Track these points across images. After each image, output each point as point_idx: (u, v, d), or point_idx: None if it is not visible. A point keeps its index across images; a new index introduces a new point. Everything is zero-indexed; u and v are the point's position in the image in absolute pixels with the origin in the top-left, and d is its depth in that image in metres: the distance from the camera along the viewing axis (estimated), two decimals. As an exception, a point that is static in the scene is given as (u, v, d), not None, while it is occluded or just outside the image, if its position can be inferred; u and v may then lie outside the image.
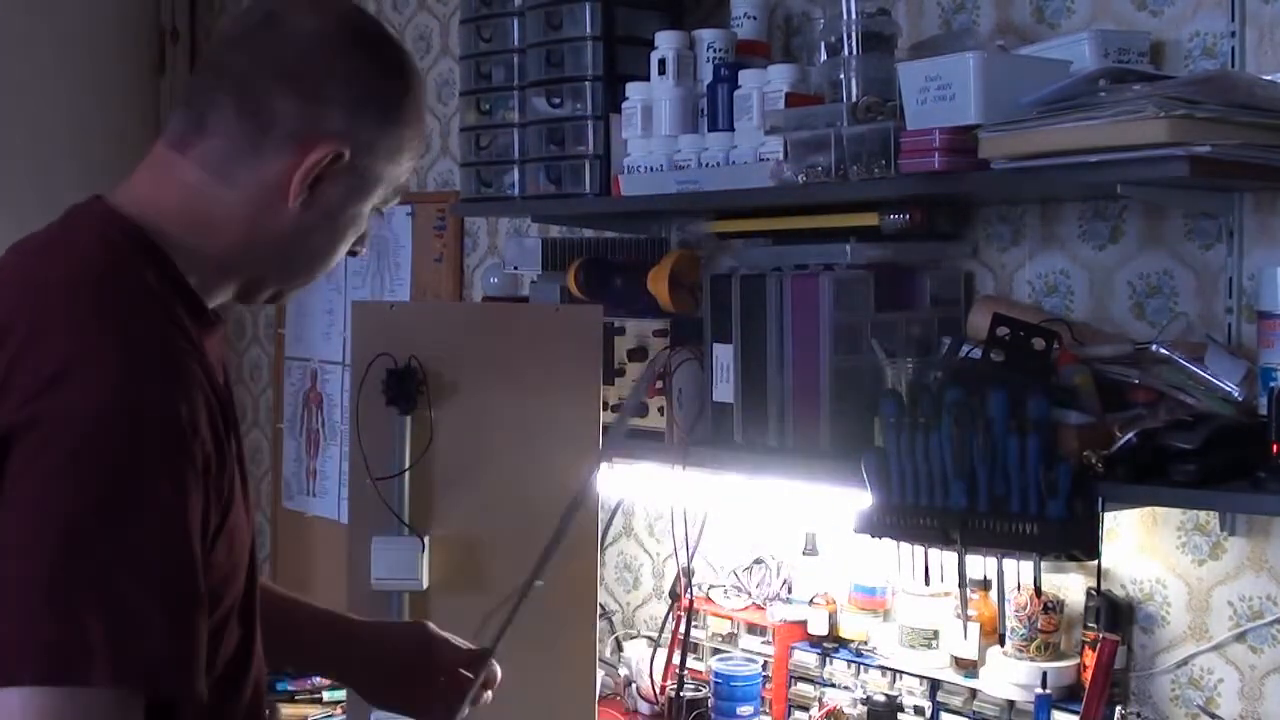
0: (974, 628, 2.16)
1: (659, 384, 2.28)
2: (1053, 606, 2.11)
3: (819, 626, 2.39)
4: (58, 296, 1.22)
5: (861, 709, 2.28)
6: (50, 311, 1.20)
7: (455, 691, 1.77)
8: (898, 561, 1.96)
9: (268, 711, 2.47)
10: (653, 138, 2.35)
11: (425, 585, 2.22)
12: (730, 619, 2.50)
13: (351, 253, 1.44)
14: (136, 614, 1.12)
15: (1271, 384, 1.75)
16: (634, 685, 2.57)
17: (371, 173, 1.36)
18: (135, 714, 1.12)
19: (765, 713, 2.42)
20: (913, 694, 2.24)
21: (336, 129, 1.31)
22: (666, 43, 2.34)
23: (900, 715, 2.24)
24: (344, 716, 2.46)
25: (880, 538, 1.95)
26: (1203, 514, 2.03)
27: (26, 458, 1.13)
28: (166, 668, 1.13)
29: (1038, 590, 1.88)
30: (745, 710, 2.38)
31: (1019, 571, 1.90)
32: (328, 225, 1.36)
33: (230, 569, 1.30)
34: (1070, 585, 2.15)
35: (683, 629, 2.46)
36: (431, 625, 1.82)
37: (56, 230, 1.32)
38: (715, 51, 2.34)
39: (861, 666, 2.32)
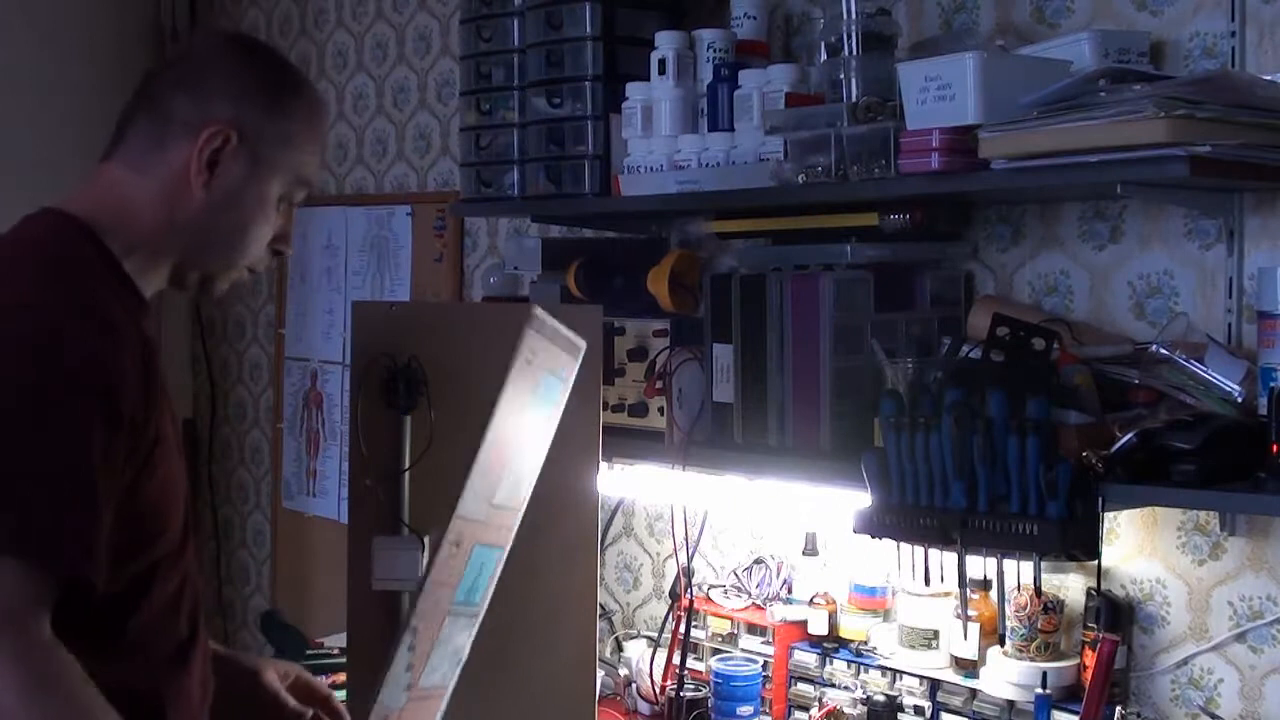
0: (974, 628, 2.16)
1: (659, 384, 2.28)
2: (1053, 606, 2.11)
3: (819, 626, 2.39)
4: (7, 266, 1.47)
5: (861, 709, 2.28)
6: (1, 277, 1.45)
7: None
8: (898, 561, 1.96)
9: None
10: (653, 138, 2.35)
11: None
12: (730, 619, 2.50)
13: (276, 252, 1.66)
14: (36, 503, 1.34)
15: (1271, 384, 1.75)
16: (634, 685, 2.57)
17: (263, 155, 1.58)
18: (41, 588, 1.34)
19: (765, 713, 2.41)
20: (913, 694, 2.24)
21: (223, 114, 1.55)
22: (666, 43, 2.34)
23: (900, 715, 2.24)
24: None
25: (880, 538, 1.95)
26: (1203, 514, 2.03)
27: None
28: (62, 548, 1.35)
29: (1038, 590, 1.88)
30: (745, 710, 2.38)
31: (1019, 571, 1.90)
32: (233, 205, 1.58)
33: (165, 508, 1.52)
34: (1070, 585, 2.15)
35: (683, 629, 2.46)
36: (268, 677, 1.82)
37: (9, 231, 1.55)
38: (715, 51, 2.34)
39: (861, 666, 2.32)
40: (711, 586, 2.56)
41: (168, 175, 1.56)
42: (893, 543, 1.95)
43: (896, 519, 1.92)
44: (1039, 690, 2.06)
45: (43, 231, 1.53)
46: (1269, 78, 1.84)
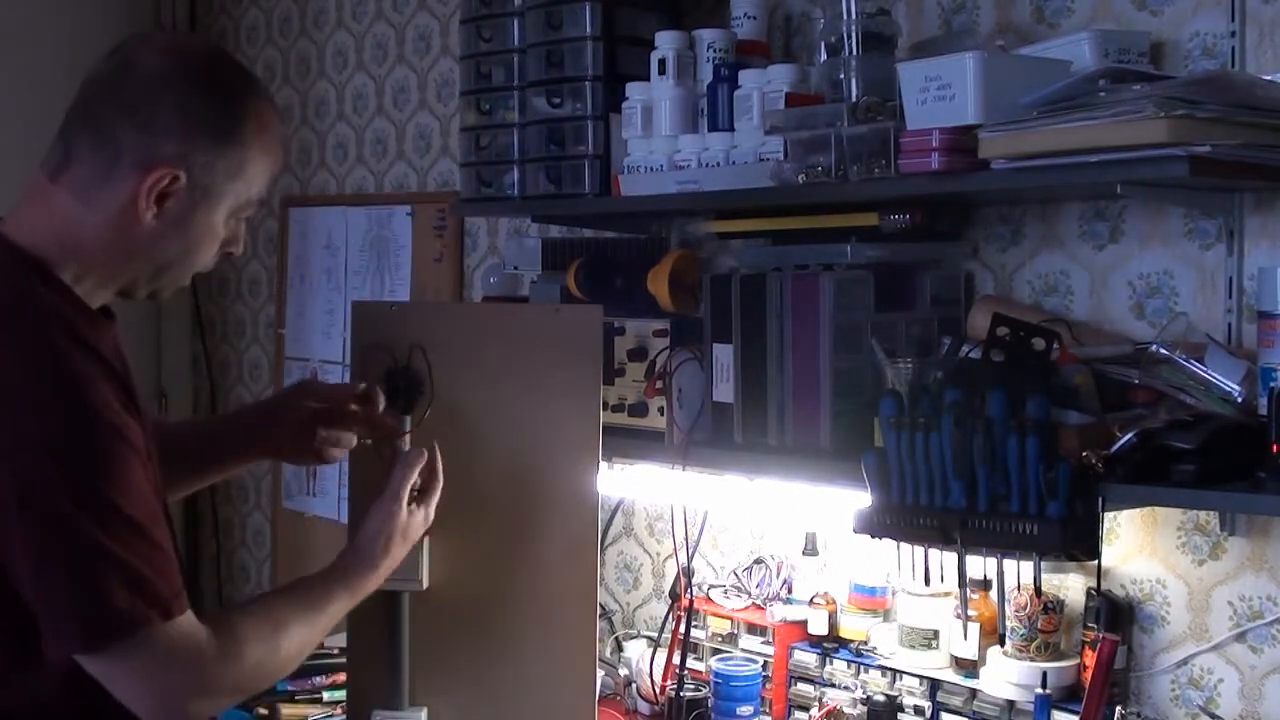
0: (974, 628, 2.16)
1: (659, 384, 2.28)
2: (1053, 606, 2.11)
3: (819, 626, 2.39)
4: None
5: (861, 709, 2.28)
6: None
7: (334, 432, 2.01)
8: (898, 561, 1.96)
9: (266, 711, 2.51)
10: (653, 138, 2.35)
11: (425, 585, 2.21)
12: (730, 619, 2.50)
13: (227, 254, 1.67)
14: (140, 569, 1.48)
15: (1271, 384, 1.75)
16: (634, 685, 2.57)
17: (214, 188, 1.57)
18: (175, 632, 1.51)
19: (765, 713, 2.41)
20: (913, 694, 2.24)
21: (171, 154, 1.53)
22: (666, 43, 2.34)
23: (900, 715, 2.24)
24: (343, 717, 2.45)
25: (880, 538, 1.95)
26: (1203, 514, 2.03)
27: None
28: (171, 597, 1.51)
29: (1038, 590, 1.88)
30: (745, 710, 2.38)
31: (1019, 571, 1.90)
32: (180, 235, 1.58)
33: None
34: (1070, 585, 2.16)
35: (683, 629, 2.46)
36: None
37: None
38: (715, 51, 2.34)
39: (861, 666, 2.32)
40: (711, 586, 2.56)
41: (115, 208, 1.55)
42: (893, 543, 1.95)
43: (896, 519, 1.92)
44: (1039, 690, 2.06)
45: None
46: (1269, 78, 1.84)
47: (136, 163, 1.53)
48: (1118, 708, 2.04)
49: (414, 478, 1.98)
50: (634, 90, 2.37)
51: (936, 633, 2.23)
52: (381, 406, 2.02)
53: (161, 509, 1.57)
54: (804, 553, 2.45)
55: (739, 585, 2.54)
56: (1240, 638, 2.02)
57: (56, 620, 1.46)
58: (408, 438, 2.08)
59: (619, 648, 2.70)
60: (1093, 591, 2.08)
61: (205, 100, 1.57)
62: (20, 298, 1.51)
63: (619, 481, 2.52)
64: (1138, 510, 2.05)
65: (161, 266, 1.61)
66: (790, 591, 2.48)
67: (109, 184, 1.54)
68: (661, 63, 2.34)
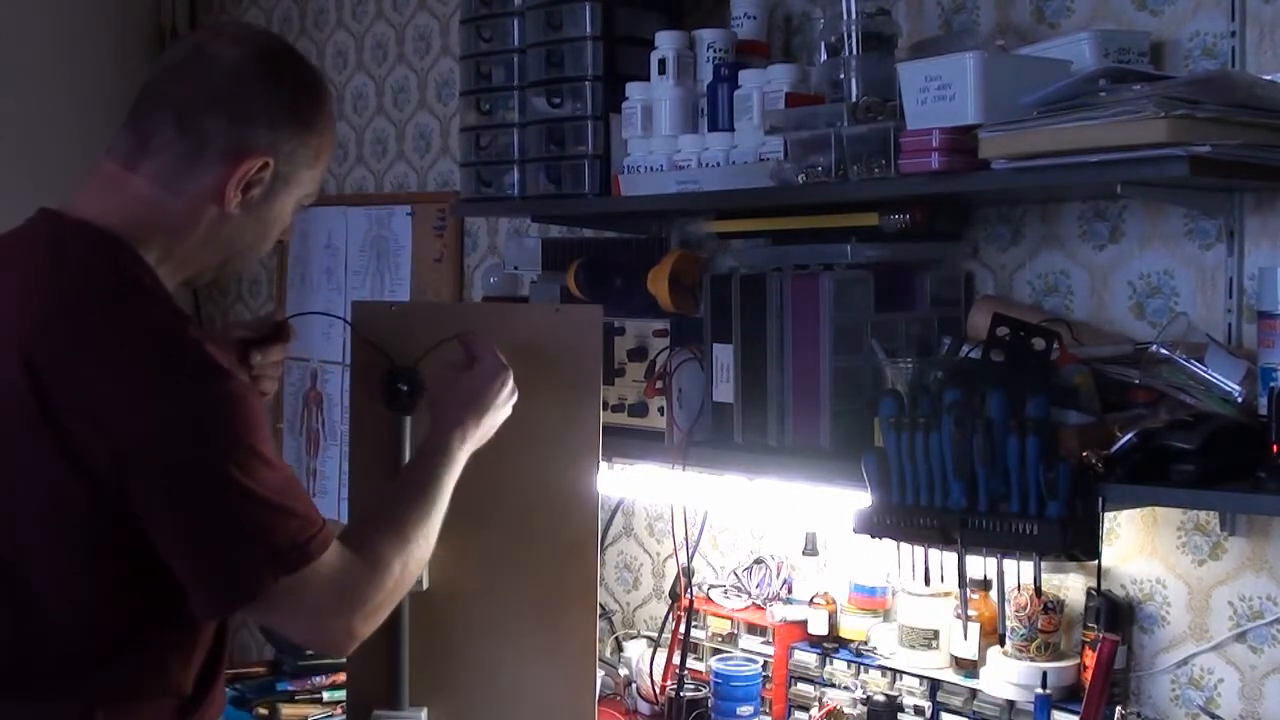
0: (974, 628, 2.16)
1: (659, 384, 2.28)
2: (1053, 606, 2.11)
3: (819, 626, 2.39)
4: (96, 321, 1.49)
5: (861, 709, 2.28)
6: (97, 339, 1.48)
7: None
8: (898, 561, 1.96)
9: (266, 711, 2.51)
10: (653, 138, 2.35)
11: (425, 585, 2.21)
12: (730, 619, 2.50)
13: (279, 242, 1.74)
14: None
15: (1271, 384, 1.75)
16: (634, 685, 2.57)
17: (294, 176, 1.63)
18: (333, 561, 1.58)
19: (765, 713, 2.42)
20: (913, 694, 2.24)
21: (262, 142, 1.58)
22: (666, 43, 2.34)
23: (900, 715, 2.24)
24: (343, 717, 2.45)
25: (880, 538, 1.95)
26: (1203, 514, 2.03)
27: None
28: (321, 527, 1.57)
29: (1038, 590, 1.88)
30: (745, 710, 2.38)
31: (1019, 571, 1.90)
32: (258, 222, 1.64)
33: None
34: (1070, 585, 2.15)
35: (683, 629, 2.46)
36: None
37: (44, 248, 1.56)
38: (715, 51, 2.34)
39: (861, 666, 2.32)
40: (711, 586, 2.56)
41: (200, 195, 1.58)
42: (893, 543, 1.95)
43: (896, 519, 1.92)
44: (1039, 690, 2.06)
45: (99, 258, 1.54)
46: (1269, 78, 1.84)
47: (226, 151, 1.57)
48: (1118, 708, 2.04)
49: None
50: (634, 90, 2.37)
51: (936, 633, 2.23)
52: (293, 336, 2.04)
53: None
54: (804, 553, 2.45)
55: (739, 585, 2.54)
56: (1240, 638, 2.02)
57: (221, 569, 1.49)
58: None
59: (619, 648, 2.70)
60: (1093, 591, 2.08)
61: (291, 89, 1.62)
62: (127, 269, 1.54)
63: (619, 481, 2.52)
64: (1138, 510, 2.05)
65: (234, 254, 1.66)
66: (790, 591, 2.48)
67: (195, 171, 1.57)
68: (661, 63, 2.34)
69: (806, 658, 2.39)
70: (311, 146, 1.64)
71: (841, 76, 2.06)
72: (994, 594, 2.04)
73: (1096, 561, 1.88)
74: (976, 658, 2.18)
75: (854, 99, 2.03)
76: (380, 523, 1.72)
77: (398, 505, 1.76)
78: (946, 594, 2.18)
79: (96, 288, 1.51)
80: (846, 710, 2.31)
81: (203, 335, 1.53)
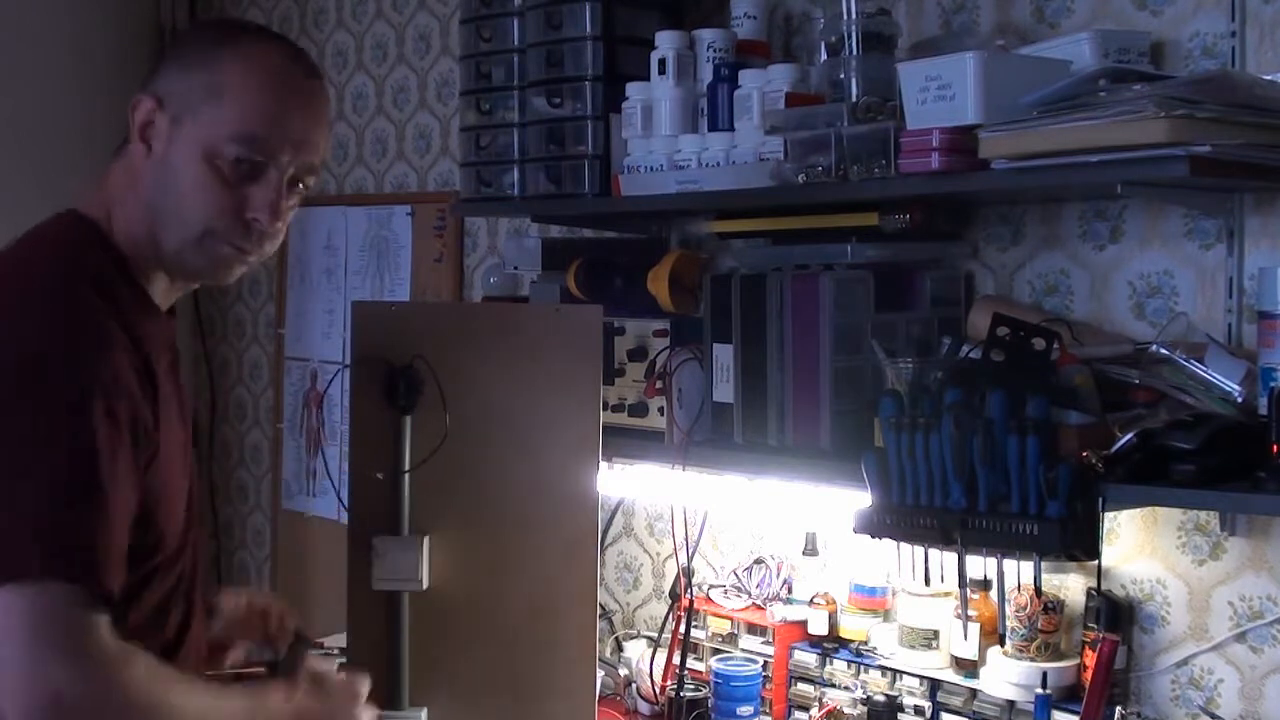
0: (974, 628, 2.16)
1: (659, 384, 2.28)
2: (1053, 606, 2.11)
3: (819, 626, 2.39)
4: (14, 271, 1.48)
5: (861, 709, 2.28)
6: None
7: None
8: (898, 561, 1.96)
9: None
10: (653, 138, 2.35)
11: (425, 585, 2.22)
12: (730, 619, 2.50)
13: (249, 223, 1.55)
14: (64, 523, 1.35)
15: (1271, 384, 1.75)
16: (634, 685, 2.57)
17: (185, 114, 1.52)
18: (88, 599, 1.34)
19: (765, 713, 2.41)
20: (913, 694, 2.24)
21: (150, 88, 1.55)
22: (666, 43, 2.34)
23: (900, 715, 2.24)
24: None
25: (880, 538, 1.95)
26: (1203, 514, 2.03)
27: None
28: (77, 563, 1.34)
29: (1038, 590, 1.88)
30: (745, 710, 2.38)
31: (1019, 571, 1.90)
32: (168, 171, 1.53)
33: (161, 520, 1.51)
34: (1070, 585, 2.15)
35: (683, 629, 2.46)
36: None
37: (33, 229, 1.56)
38: (715, 51, 2.34)
39: (861, 666, 2.32)
40: (711, 586, 2.56)
41: (129, 161, 1.56)
42: (893, 543, 1.95)
43: (896, 519, 1.92)
44: (1039, 690, 2.06)
45: (55, 232, 1.54)
46: (1269, 78, 1.84)
47: (130, 107, 1.55)
48: (1118, 708, 2.04)
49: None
50: (634, 90, 2.37)
51: (936, 633, 2.23)
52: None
53: (133, 502, 1.45)
54: (804, 553, 2.45)
55: (739, 585, 2.54)
56: (1240, 638, 2.02)
57: None
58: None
59: (619, 648, 2.70)
60: (1093, 591, 2.08)
61: (192, 36, 1.62)
62: (68, 260, 1.50)
63: (619, 481, 2.52)
64: (1138, 510, 2.05)
65: (164, 216, 1.54)
66: (790, 591, 2.48)
67: (127, 139, 1.57)
68: (661, 63, 2.34)
69: (806, 658, 2.39)
70: (203, 82, 1.52)
71: (841, 76, 2.06)
72: (994, 594, 2.04)
73: (1096, 561, 1.88)
74: (976, 658, 2.18)
75: (854, 99, 2.03)
76: (175, 685, 1.42)
77: (191, 684, 1.47)
78: (946, 594, 2.18)
79: (27, 258, 1.50)
80: (846, 710, 2.31)
81: (100, 325, 1.44)
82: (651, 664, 2.53)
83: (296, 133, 1.55)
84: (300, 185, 1.59)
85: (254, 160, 1.53)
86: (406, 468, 2.25)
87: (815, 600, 2.40)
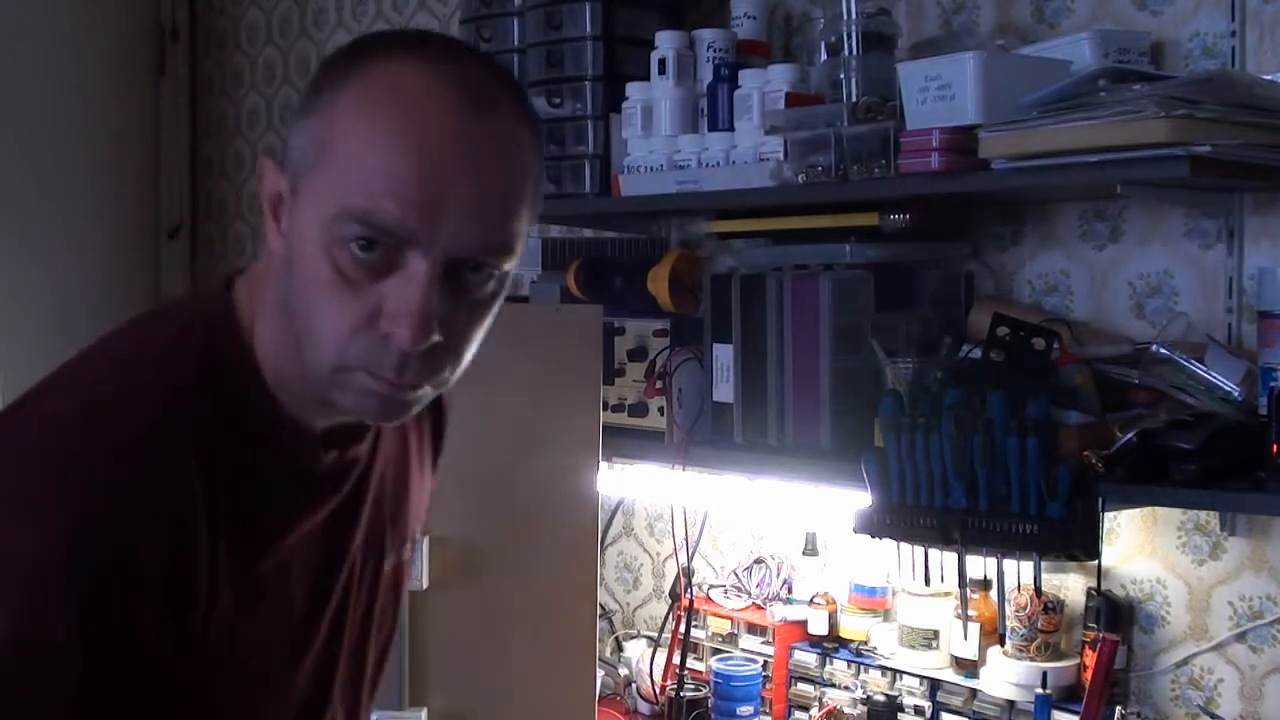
0: (974, 628, 2.16)
1: (659, 384, 2.28)
2: (1053, 606, 2.11)
3: (819, 626, 2.39)
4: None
5: (861, 709, 2.28)
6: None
7: None
8: (898, 561, 1.96)
9: None
10: (653, 137, 2.35)
11: (425, 585, 2.22)
12: (730, 619, 2.50)
13: (386, 336, 1.07)
14: None
15: (1271, 384, 1.75)
16: (634, 685, 2.57)
17: (301, 183, 1.08)
18: None
19: (765, 713, 2.41)
20: (913, 694, 2.24)
21: (273, 150, 1.22)
22: (666, 43, 2.34)
23: (900, 715, 2.24)
24: None
25: (880, 538, 1.95)
26: (1203, 514, 2.03)
27: None
28: None
29: (1038, 590, 1.88)
30: (745, 710, 2.38)
31: (1019, 571, 1.90)
32: (290, 265, 1.09)
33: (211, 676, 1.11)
34: (1070, 585, 2.15)
35: (683, 629, 2.46)
36: None
37: (169, 308, 1.20)
38: (715, 51, 2.34)
39: (861, 666, 2.32)
40: (711, 586, 2.56)
41: (269, 246, 1.14)
42: (893, 543, 1.95)
43: (896, 519, 1.92)
44: (1039, 690, 2.06)
45: (170, 332, 1.14)
46: (1269, 78, 1.84)
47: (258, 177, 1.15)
48: (1118, 708, 2.04)
49: None
50: (634, 90, 2.37)
51: (936, 633, 2.23)
52: None
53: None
54: (804, 553, 2.45)
55: (739, 585, 2.54)
56: (1240, 638, 2.02)
57: None
58: None
59: (619, 648, 2.70)
60: (1093, 591, 2.08)
61: (329, 59, 1.13)
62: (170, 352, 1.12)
63: (619, 481, 2.52)
64: (1138, 510, 2.05)
65: (288, 307, 1.10)
66: (790, 591, 2.48)
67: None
68: (661, 63, 2.34)
69: (806, 658, 2.39)
70: (313, 132, 1.07)
71: (841, 76, 2.06)
72: (994, 594, 2.04)
73: (1096, 561, 1.88)
74: (976, 658, 2.18)
75: (854, 99, 2.03)
76: None
77: None
78: (946, 594, 2.18)
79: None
80: (846, 710, 2.31)
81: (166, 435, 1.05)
82: (651, 664, 2.53)
83: (449, 195, 1.06)
84: (477, 275, 1.13)
85: (382, 242, 1.04)
86: (406, 468, 2.25)
87: (815, 600, 2.40)
